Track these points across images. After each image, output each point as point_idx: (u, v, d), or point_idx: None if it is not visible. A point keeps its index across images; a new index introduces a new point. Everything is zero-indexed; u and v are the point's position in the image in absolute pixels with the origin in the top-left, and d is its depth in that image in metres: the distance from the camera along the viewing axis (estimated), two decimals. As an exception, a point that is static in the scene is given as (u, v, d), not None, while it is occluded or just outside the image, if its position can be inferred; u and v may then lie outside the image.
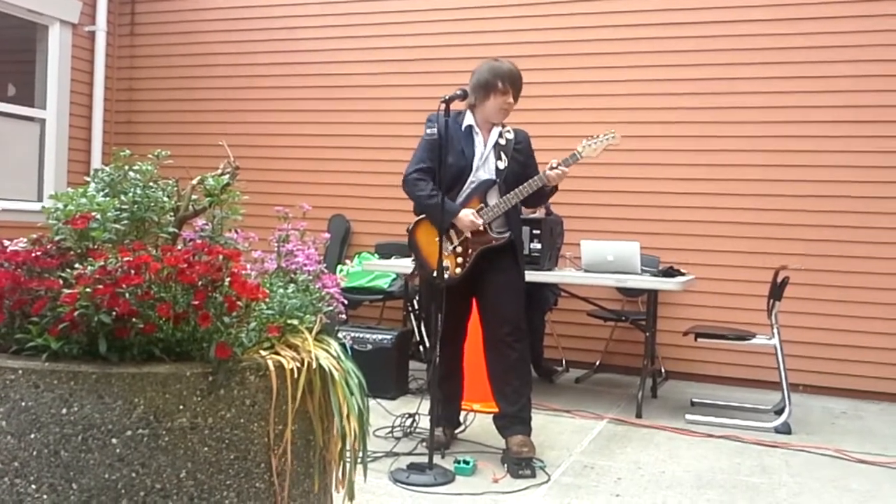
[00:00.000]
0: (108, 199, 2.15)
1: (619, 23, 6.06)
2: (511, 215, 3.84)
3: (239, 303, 1.91)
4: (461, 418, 4.10)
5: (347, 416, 2.05)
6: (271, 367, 1.91)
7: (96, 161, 7.36)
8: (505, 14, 6.34)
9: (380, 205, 6.54)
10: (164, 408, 1.78)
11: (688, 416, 4.74)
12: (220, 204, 2.29)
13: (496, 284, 3.79)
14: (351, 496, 2.16)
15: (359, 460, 2.14)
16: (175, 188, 2.30)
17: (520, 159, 3.84)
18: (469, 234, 3.77)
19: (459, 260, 3.79)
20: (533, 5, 6.28)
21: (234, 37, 7.23)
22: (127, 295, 1.79)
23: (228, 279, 1.91)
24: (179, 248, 2.13)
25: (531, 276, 4.29)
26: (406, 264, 4.97)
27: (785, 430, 4.53)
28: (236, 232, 2.36)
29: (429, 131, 3.78)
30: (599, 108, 5.90)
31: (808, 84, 5.62)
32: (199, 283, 1.86)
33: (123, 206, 2.16)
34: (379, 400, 4.63)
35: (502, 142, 3.83)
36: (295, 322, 2.12)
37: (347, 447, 2.12)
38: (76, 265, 1.89)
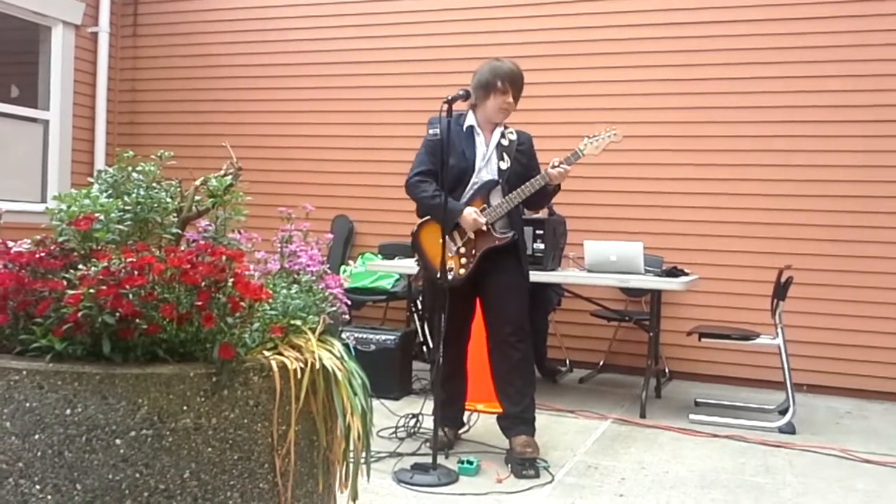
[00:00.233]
0: (111, 200, 2.15)
1: (625, 23, 6.05)
2: (514, 216, 3.84)
3: (242, 303, 1.91)
4: (465, 418, 4.10)
5: (351, 416, 2.05)
6: (275, 368, 1.91)
7: (99, 162, 7.37)
8: (509, 14, 6.33)
9: (383, 205, 6.54)
10: (167, 408, 1.78)
11: (692, 417, 4.73)
12: (223, 205, 2.29)
13: (499, 285, 3.79)
14: (354, 496, 2.15)
15: (362, 461, 2.14)
16: (178, 189, 2.30)
17: (522, 160, 3.84)
18: (472, 235, 3.77)
19: (463, 261, 3.79)
20: (537, 5, 6.27)
21: (238, 37, 7.23)
22: (130, 296, 1.79)
23: (232, 280, 1.91)
24: (183, 248, 2.13)
25: (534, 276, 4.29)
26: (409, 265, 4.97)
27: (789, 429, 4.52)
28: (239, 233, 2.36)
29: (431, 132, 3.79)
30: (603, 109, 5.89)
31: (814, 84, 5.61)
32: (203, 283, 1.86)
33: (127, 207, 2.16)
34: (382, 400, 4.63)
35: (505, 142, 3.83)
36: (298, 322, 2.12)
37: (351, 448, 2.12)
38: (80, 266, 1.89)
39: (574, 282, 5.31)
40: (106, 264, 1.84)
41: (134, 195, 2.20)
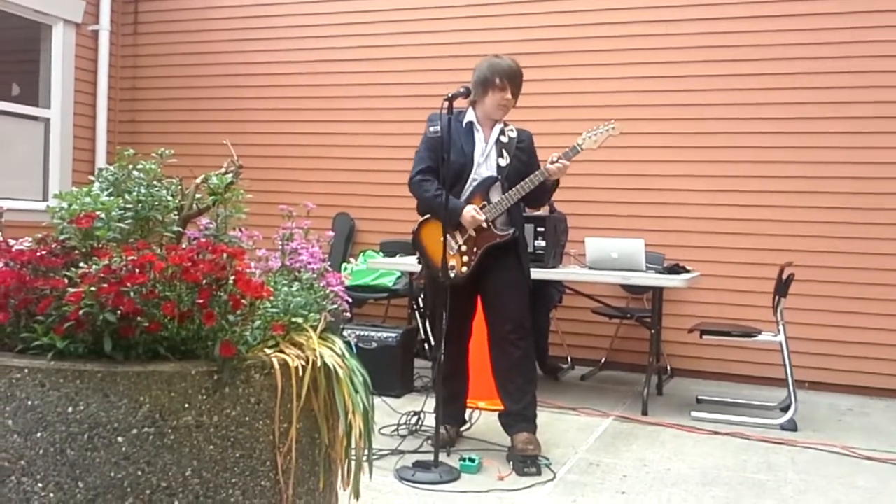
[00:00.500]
0: (112, 198, 2.15)
1: (626, 19, 6.05)
2: (514, 213, 3.84)
3: (243, 301, 1.91)
4: (466, 416, 4.10)
5: (352, 414, 2.05)
6: (276, 366, 1.91)
7: (100, 160, 7.37)
8: (509, 12, 6.33)
9: (384, 203, 6.53)
10: (169, 406, 1.78)
11: (693, 414, 4.73)
12: (224, 202, 2.29)
13: (500, 282, 3.79)
14: (356, 494, 2.16)
15: (364, 458, 2.14)
16: (179, 187, 2.30)
17: (522, 158, 3.84)
18: (473, 233, 3.77)
19: (465, 258, 3.79)
20: (537, 3, 6.27)
21: (238, 35, 7.23)
22: (132, 294, 1.79)
23: (233, 277, 1.91)
24: (184, 246, 2.13)
25: (536, 273, 4.29)
26: (411, 262, 4.97)
27: (791, 427, 4.52)
28: (240, 230, 2.36)
29: (431, 129, 3.79)
30: (604, 105, 5.87)
31: (817, 80, 5.60)
32: (204, 281, 1.86)
33: (128, 206, 2.16)
34: (384, 398, 4.63)
35: (504, 139, 3.83)
36: (299, 320, 2.12)
37: (353, 445, 2.12)
38: (81, 264, 1.89)
39: (575, 279, 5.31)
40: (107, 262, 1.84)
41: (135, 193, 2.20)
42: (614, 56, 6.05)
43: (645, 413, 4.76)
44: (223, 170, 2.31)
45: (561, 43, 6.17)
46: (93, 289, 1.76)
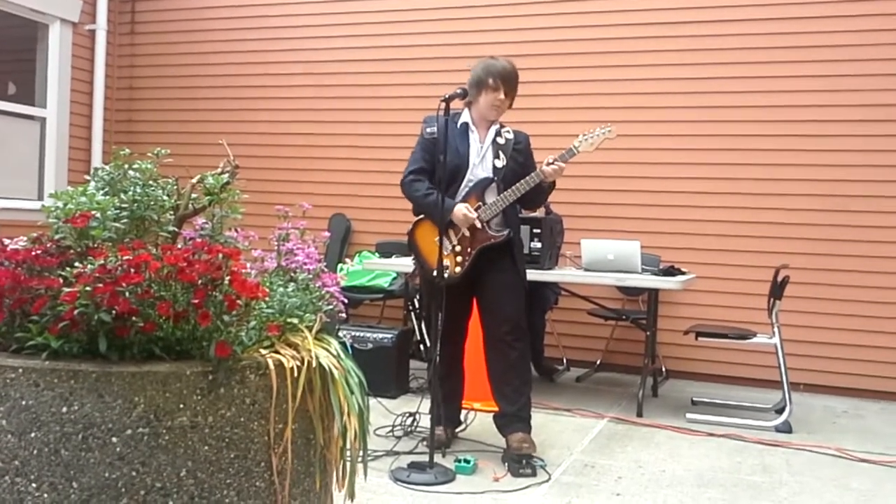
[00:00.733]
0: (107, 197, 2.15)
1: (621, 21, 6.05)
2: (509, 214, 3.84)
3: (239, 301, 1.90)
4: (462, 417, 4.10)
5: (348, 414, 2.05)
6: (271, 366, 1.91)
7: (96, 160, 7.36)
8: (508, 13, 6.33)
9: (380, 204, 6.53)
10: (164, 406, 1.78)
11: (688, 415, 4.74)
12: (219, 203, 2.29)
13: (496, 284, 3.79)
14: (351, 495, 2.15)
15: (359, 459, 2.14)
16: (175, 187, 2.30)
17: (519, 159, 3.84)
18: (467, 233, 3.77)
19: (459, 259, 3.79)
20: (535, 4, 6.27)
21: (235, 35, 7.22)
22: (127, 293, 1.78)
23: (228, 278, 1.91)
24: (179, 246, 2.13)
25: (531, 275, 4.29)
26: (406, 263, 4.97)
27: (786, 429, 4.52)
28: (236, 231, 2.36)
29: (428, 130, 3.80)
30: (601, 107, 5.88)
31: (812, 83, 5.61)
32: (199, 281, 1.86)
33: (123, 205, 2.16)
34: (379, 399, 4.63)
35: (501, 141, 3.83)
36: (295, 321, 2.12)
37: (348, 446, 2.12)
38: (76, 264, 1.89)
39: (571, 281, 5.31)
40: (102, 262, 1.84)
41: (130, 193, 2.20)
42: (611, 58, 6.06)
43: (640, 415, 4.76)
44: (219, 170, 2.31)
45: (558, 45, 6.17)
46: (88, 288, 1.76)
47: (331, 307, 2.32)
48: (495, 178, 3.78)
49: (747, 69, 5.74)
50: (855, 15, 5.51)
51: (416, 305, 5.88)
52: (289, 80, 7.02)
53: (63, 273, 1.88)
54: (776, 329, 4.74)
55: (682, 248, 5.76)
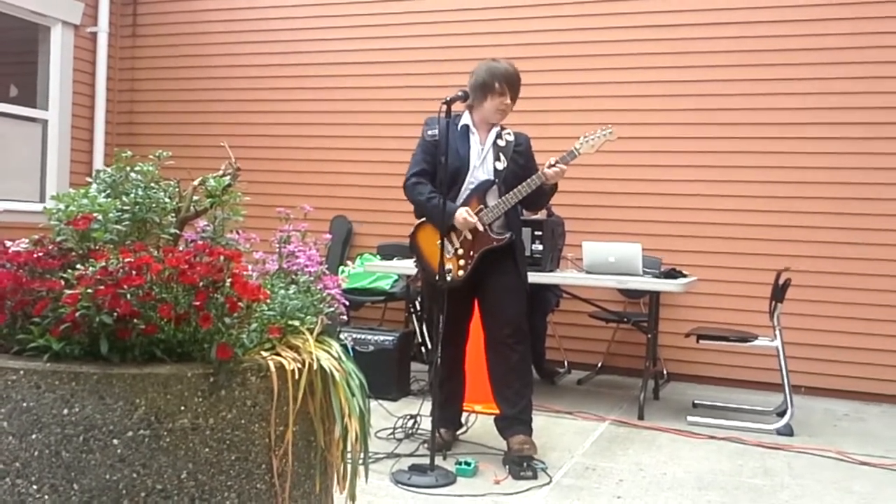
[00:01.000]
0: (109, 199, 2.15)
1: (622, 24, 6.06)
2: (511, 217, 3.84)
3: (240, 304, 1.90)
4: (463, 420, 4.09)
5: (349, 417, 2.05)
6: (272, 368, 1.91)
7: (98, 162, 7.37)
8: (507, 16, 6.33)
9: (382, 206, 6.53)
10: (165, 408, 1.78)
11: (690, 418, 4.73)
12: (221, 205, 2.29)
13: (497, 286, 3.79)
14: (352, 497, 2.15)
15: (360, 461, 2.14)
16: (176, 189, 2.30)
17: (520, 161, 3.84)
18: (469, 236, 3.77)
19: (461, 262, 3.79)
20: (535, 7, 6.27)
21: (236, 38, 7.23)
22: (128, 296, 1.78)
23: (230, 280, 1.91)
24: (181, 249, 2.13)
25: (533, 277, 4.29)
26: (408, 265, 4.97)
27: (787, 431, 4.52)
28: (238, 233, 2.36)
29: (429, 132, 3.80)
30: (601, 110, 5.88)
31: (812, 86, 5.62)
32: (201, 283, 1.86)
33: (125, 207, 2.16)
34: (380, 401, 4.63)
35: (501, 143, 3.83)
36: (296, 323, 2.12)
37: (349, 448, 2.12)
38: (78, 266, 1.89)
39: (572, 283, 5.31)
40: (104, 264, 1.84)
41: (132, 195, 2.20)
42: (612, 61, 6.06)
43: (641, 417, 4.76)
44: (221, 172, 2.31)
45: (558, 47, 6.18)
46: (89, 291, 1.76)
47: (332, 309, 2.32)
48: (496, 181, 3.78)
49: (749, 72, 5.74)
50: (854, 17, 5.52)
51: (418, 308, 5.89)
52: (289, 82, 7.03)
53: (64, 275, 1.88)
54: (777, 332, 4.74)
55: (684, 251, 5.76)
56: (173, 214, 2.25)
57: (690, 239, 5.84)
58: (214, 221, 2.31)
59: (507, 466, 3.68)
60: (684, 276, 5.04)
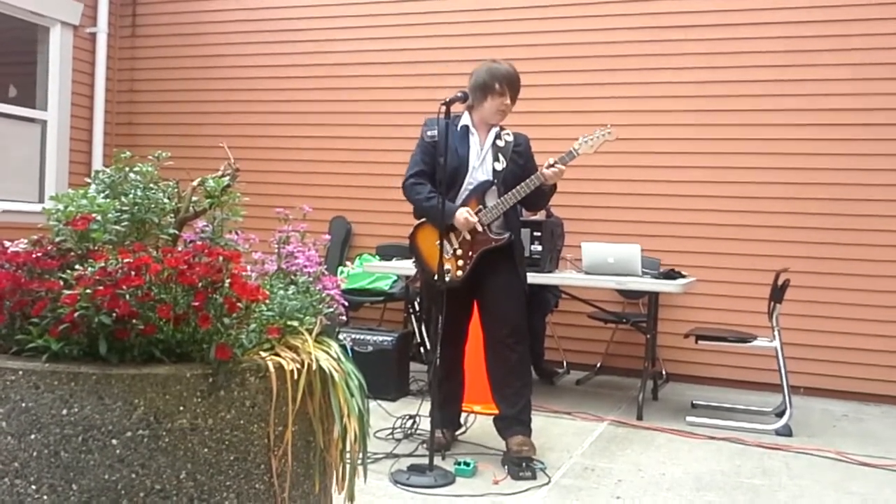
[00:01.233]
0: (108, 200, 2.15)
1: (620, 25, 6.06)
2: (510, 217, 3.84)
3: (239, 304, 1.91)
4: (462, 420, 4.10)
5: (348, 417, 2.05)
6: (271, 369, 1.91)
7: (97, 162, 7.37)
8: (506, 17, 6.34)
9: (381, 206, 6.54)
10: (164, 409, 1.78)
11: (688, 419, 4.74)
12: (220, 205, 2.29)
13: (496, 287, 3.79)
14: (351, 497, 2.15)
15: (359, 462, 2.14)
16: (176, 190, 2.30)
17: (519, 162, 3.84)
18: (468, 236, 3.77)
19: (460, 262, 3.79)
20: (535, 7, 6.28)
21: (236, 38, 7.23)
22: (127, 296, 1.79)
23: (229, 280, 1.91)
24: (180, 249, 2.13)
25: (532, 278, 4.29)
26: (407, 266, 4.97)
27: (786, 432, 4.52)
28: (237, 233, 2.36)
29: (429, 133, 3.80)
30: (601, 111, 5.86)
31: (811, 87, 5.62)
32: (200, 284, 1.86)
33: (124, 208, 2.16)
34: (379, 401, 4.63)
35: (501, 143, 3.83)
36: (295, 323, 2.12)
37: (348, 449, 2.12)
38: (76, 266, 1.89)
39: (571, 284, 5.31)
40: (103, 265, 1.84)
41: (131, 196, 2.20)
42: (612, 62, 6.07)
43: (640, 418, 4.76)
44: (220, 172, 2.31)
45: (558, 48, 6.18)
46: (88, 291, 1.76)
47: (331, 310, 2.32)
48: (495, 181, 3.78)
49: (749, 73, 5.74)
50: (854, 18, 5.52)
51: (417, 308, 5.89)
52: (289, 82, 7.03)
53: (63, 276, 1.88)
54: (776, 332, 4.74)
55: (683, 252, 5.76)
56: (172, 215, 2.26)
57: (689, 239, 5.84)
58: (213, 222, 2.31)
59: (505, 467, 3.68)
60: (683, 276, 5.04)
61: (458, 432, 4.07)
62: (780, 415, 4.67)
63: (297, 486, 2.00)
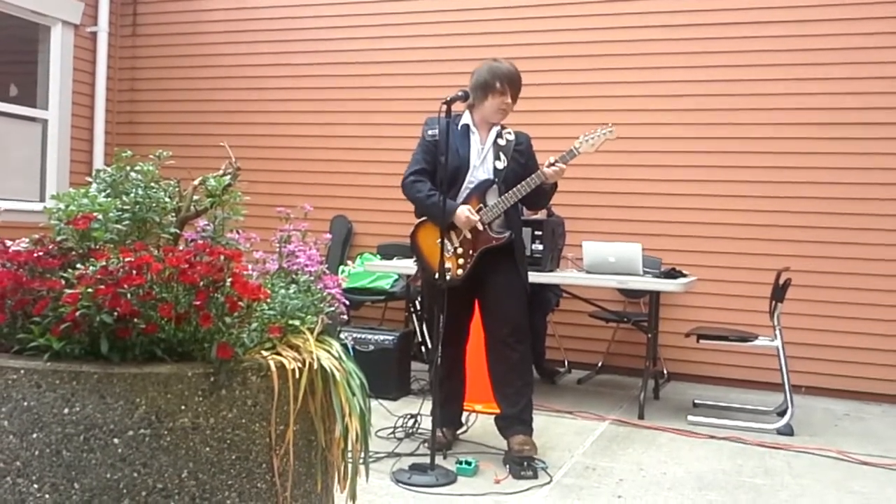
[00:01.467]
0: (109, 199, 2.15)
1: (621, 24, 6.06)
2: (511, 216, 3.84)
3: (240, 303, 1.90)
4: (463, 419, 4.10)
5: (349, 416, 2.05)
6: (273, 368, 1.91)
7: (98, 161, 7.37)
8: (509, 16, 6.33)
9: (382, 206, 6.54)
10: (165, 408, 1.78)
11: (690, 418, 4.74)
12: (221, 204, 2.29)
13: (497, 286, 3.79)
14: (353, 496, 2.15)
15: (361, 461, 2.14)
16: (177, 189, 2.30)
17: (520, 160, 3.84)
18: (469, 235, 3.77)
19: (461, 261, 3.79)
20: (535, 7, 6.27)
21: (236, 37, 7.23)
22: (129, 295, 1.78)
23: (230, 280, 1.91)
24: (181, 248, 2.13)
25: (533, 277, 4.29)
26: (408, 265, 4.97)
27: (787, 431, 4.52)
28: (238, 232, 2.36)
29: (429, 132, 3.80)
30: (602, 110, 5.87)
31: (812, 86, 5.62)
32: (201, 283, 1.86)
33: (125, 207, 2.16)
34: (381, 400, 4.63)
35: (502, 142, 3.83)
36: (296, 323, 2.12)
37: (349, 448, 2.12)
38: (78, 265, 1.89)
39: (573, 283, 5.31)
40: (104, 263, 1.84)
41: (132, 195, 2.20)
42: (613, 61, 6.06)
43: (641, 417, 4.76)
44: (221, 172, 2.31)
45: (559, 47, 6.18)
46: (90, 290, 1.76)
47: (332, 309, 2.32)
48: (496, 180, 3.78)
49: (749, 72, 5.74)
50: (853, 18, 5.51)
51: (418, 307, 5.89)
52: (289, 81, 7.03)
53: (65, 275, 1.88)
54: (778, 331, 4.74)
55: (684, 251, 5.75)
56: (173, 214, 2.25)
57: (690, 239, 5.84)
58: (214, 221, 2.31)
59: (507, 466, 3.68)
60: (684, 275, 5.04)
61: (459, 431, 4.07)
62: (782, 414, 4.66)
63: (299, 486, 2.00)
